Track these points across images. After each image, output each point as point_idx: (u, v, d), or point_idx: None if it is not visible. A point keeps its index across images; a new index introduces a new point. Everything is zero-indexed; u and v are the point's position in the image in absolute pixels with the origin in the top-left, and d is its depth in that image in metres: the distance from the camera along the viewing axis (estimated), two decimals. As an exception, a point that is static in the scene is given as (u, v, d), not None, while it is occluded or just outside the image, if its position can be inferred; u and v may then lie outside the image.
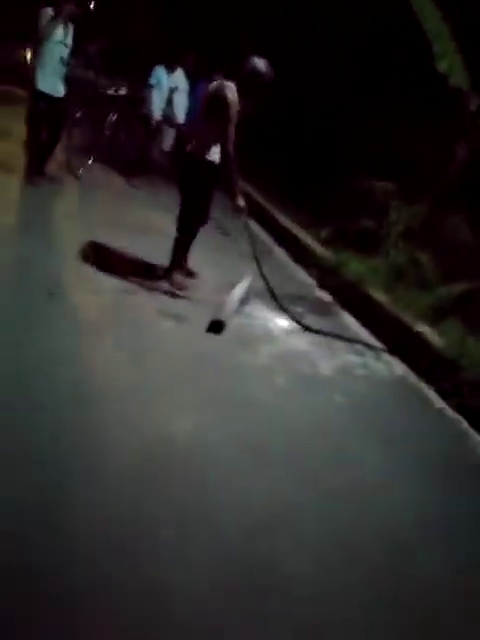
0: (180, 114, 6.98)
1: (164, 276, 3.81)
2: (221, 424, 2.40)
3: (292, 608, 1.60)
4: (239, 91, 3.50)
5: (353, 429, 2.68)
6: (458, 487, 2.44)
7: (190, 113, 6.83)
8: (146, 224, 4.98)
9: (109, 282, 3.56)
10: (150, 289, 3.65)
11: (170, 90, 6.73)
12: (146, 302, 3.46)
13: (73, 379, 2.38)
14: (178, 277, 3.85)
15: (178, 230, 3.83)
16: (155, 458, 2.06)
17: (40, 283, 3.20)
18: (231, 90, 3.48)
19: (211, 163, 3.64)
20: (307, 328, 3.74)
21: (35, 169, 5.28)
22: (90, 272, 3.63)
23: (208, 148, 3.62)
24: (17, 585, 1.42)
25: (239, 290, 3.85)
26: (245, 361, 3.06)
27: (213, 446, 2.24)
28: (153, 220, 5.13)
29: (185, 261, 4.02)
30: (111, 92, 6.68)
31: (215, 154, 3.62)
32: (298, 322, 3.78)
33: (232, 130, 3.50)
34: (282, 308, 3.84)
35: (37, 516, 1.64)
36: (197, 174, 3.67)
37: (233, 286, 3.88)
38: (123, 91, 6.68)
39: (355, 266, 4.87)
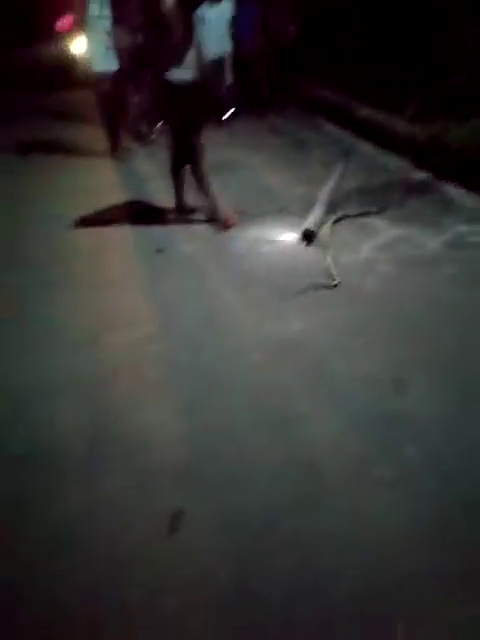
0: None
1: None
2: (330, 320, 2.45)
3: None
4: None
5: (466, 294, 2.54)
6: None
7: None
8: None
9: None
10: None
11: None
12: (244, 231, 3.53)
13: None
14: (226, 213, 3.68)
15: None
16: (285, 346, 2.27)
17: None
18: None
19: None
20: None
21: (116, 146, 5.55)
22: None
23: None
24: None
25: (323, 197, 3.72)
26: (344, 261, 3.00)
27: (329, 333, 2.36)
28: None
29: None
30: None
31: None
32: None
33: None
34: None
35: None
36: None
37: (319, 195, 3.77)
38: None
39: (454, 133, 4.36)
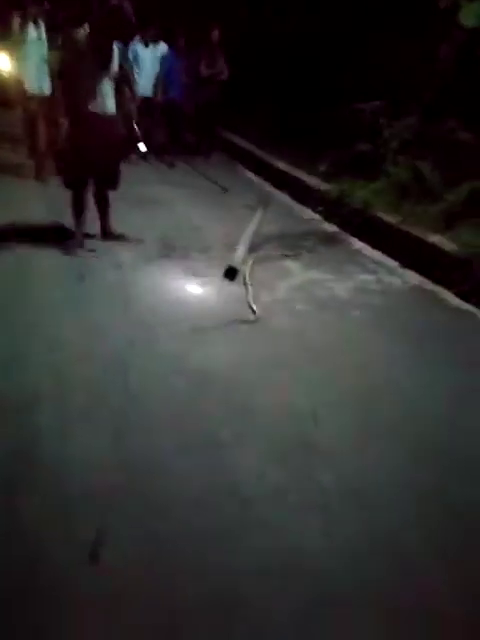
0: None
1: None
2: (251, 352, 2.60)
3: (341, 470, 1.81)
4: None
5: (373, 335, 2.84)
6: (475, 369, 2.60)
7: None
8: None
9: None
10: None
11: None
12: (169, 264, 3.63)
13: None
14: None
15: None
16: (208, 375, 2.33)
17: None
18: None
19: None
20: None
21: (40, 168, 5.42)
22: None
23: None
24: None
25: (245, 238, 3.97)
26: (263, 299, 3.21)
27: (250, 365, 2.49)
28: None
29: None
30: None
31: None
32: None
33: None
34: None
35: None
36: None
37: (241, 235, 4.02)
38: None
39: (359, 193, 4.90)
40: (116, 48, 3.48)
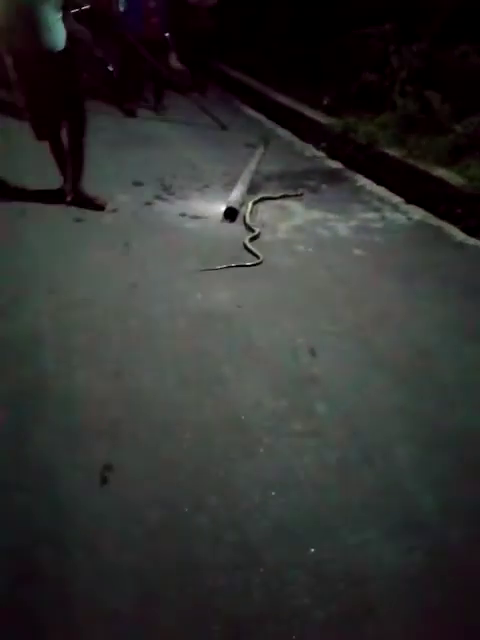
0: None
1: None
2: (251, 292, 2.60)
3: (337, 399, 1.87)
4: None
5: (373, 272, 2.82)
6: (478, 301, 2.60)
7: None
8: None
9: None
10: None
11: None
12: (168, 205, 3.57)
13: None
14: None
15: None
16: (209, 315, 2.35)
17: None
18: None
19: None
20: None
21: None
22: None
23: None
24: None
25: (245, 178, 3.87)
26: (264, 239, 3.17)
27: (251, 305, 2.49)
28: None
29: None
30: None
31: None
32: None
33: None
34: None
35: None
36: None
37: (241, 174, 3.91)
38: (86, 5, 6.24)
39: (363, 127, 4.70)
40: None
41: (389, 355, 2.21)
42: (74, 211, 3.34)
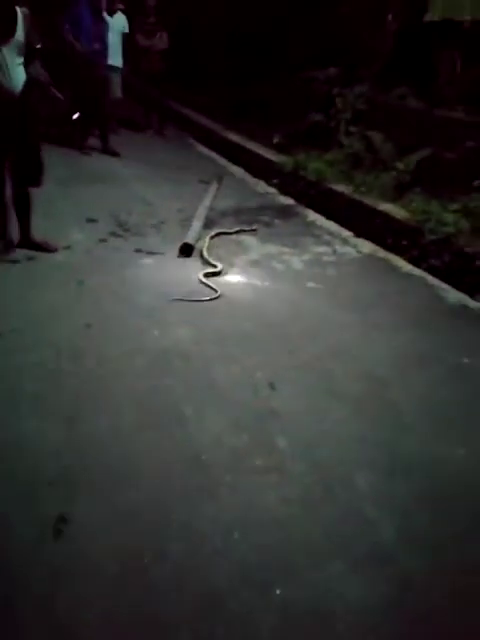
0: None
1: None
2: (209, 327, 2.60)
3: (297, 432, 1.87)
4: None
5: (327, 305, 2.90)
6: (427, 328, 2.71)
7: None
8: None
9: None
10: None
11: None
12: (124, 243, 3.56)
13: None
14: None
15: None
16: (167, 353, 2.28)
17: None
18: None
19: None
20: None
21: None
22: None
23: None
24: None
25: (200, 213, 3.93)
26: (222, 274, 3.20)
27: (208, 341, 2.48)
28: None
29: None
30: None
31: None
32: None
33: None
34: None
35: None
36: None
37: (196, 211, 3.98)
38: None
39: (313, 165, 4.90)
40: (19, 11, 2.84)
41: (346, 386, 2.25)
42: (25, 251, 3.27)
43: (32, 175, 3.10)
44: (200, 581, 1.42)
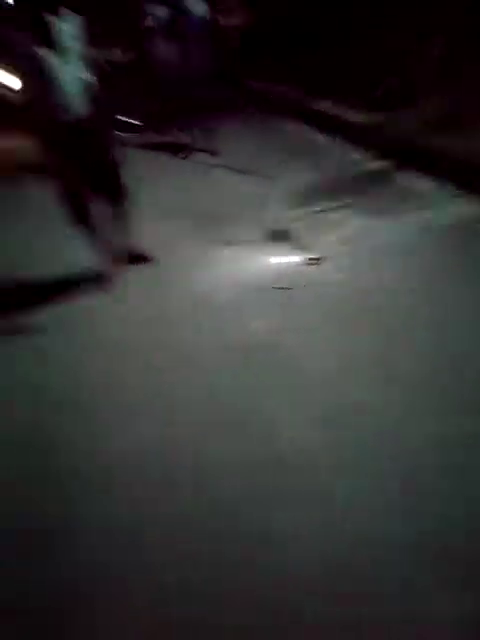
0: None
1: None
2: (289, 315, 2.45)
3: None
4: None
5: (430, 279, 2.57)
6: None
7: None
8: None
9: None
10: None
11: None
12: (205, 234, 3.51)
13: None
14: None
15: None
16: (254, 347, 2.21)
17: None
18: None
19: None
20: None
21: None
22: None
23: None
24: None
25: (284, 192, 3.72)
26: (313, 257, 3.01)
27: (290, 330, 2.33)
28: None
29: None
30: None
31: None
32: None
33: None
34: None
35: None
36: None
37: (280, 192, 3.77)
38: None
39: (406, 123, 4.42)
40: None
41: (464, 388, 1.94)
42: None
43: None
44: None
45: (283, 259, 3.01)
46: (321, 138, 5.42)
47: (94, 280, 2.92)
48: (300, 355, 2.20)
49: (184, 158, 5.35)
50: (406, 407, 1.86)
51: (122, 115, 4.47)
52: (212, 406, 1.99)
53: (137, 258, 3.19)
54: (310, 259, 2.95)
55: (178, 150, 5.48)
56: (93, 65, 2.38)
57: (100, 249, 2.92)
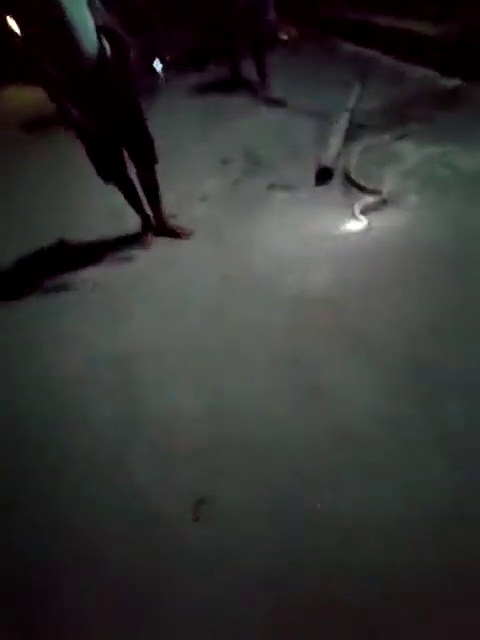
0: None
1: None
2: (357, 267, 2.24)
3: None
4: None
5: None
6: None
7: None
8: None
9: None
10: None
11: None
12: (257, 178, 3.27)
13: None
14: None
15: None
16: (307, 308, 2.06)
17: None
18: None
19: None
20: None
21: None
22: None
23: None
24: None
25: (340, 126, 3.38)
26: (372, 197, 2.72)
27: (354, 288, 2.14)
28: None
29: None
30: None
31: None
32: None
33: None
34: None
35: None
36: None
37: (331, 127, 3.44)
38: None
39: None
40: None
41: None
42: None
43: (144, 153, 2.51)
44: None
45: (345, 201, 2.74)
46: (384, 58, 4.85)
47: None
48: (359, 314, 2.00)
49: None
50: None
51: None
52: (263, 372, 1.87)
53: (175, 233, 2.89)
54: (372, 197, 2.66)
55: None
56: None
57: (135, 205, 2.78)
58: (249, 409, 1.74)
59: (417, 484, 1.39)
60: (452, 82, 3.86)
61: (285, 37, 4.50)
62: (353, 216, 2.57)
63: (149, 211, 2.85)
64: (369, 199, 2.68)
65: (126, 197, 2.71)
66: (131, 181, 2.66)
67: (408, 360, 1.74)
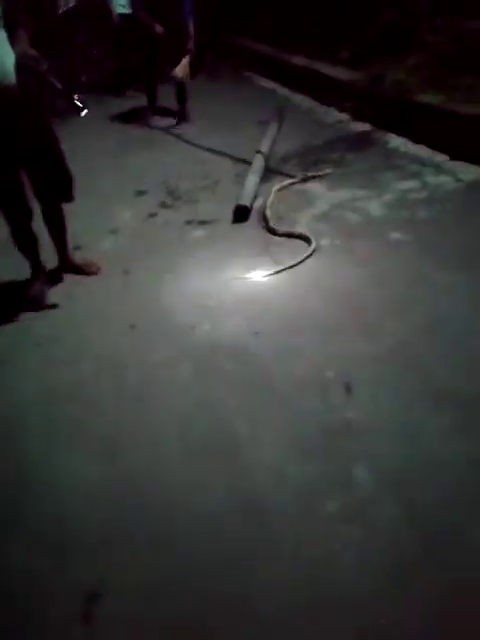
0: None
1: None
2: (268, 310, 2.17)
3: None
4: None
5: (418, 262, 2.28)
6: None
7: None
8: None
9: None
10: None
11: None
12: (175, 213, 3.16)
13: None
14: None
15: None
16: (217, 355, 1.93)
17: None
18: None
19: None
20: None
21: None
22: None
23: None
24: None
25: (255, 167, 3.38)
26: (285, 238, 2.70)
27: (270, 331, 2.05)
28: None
29: None
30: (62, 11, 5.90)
31: None
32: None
33: None
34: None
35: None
36: None
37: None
38: (72, 3, 5.89)
39: (391, 76, 4.02)
40: None
41: (448, 382, 1.70)
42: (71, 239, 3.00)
43: (59, 187, 2.33)
44: None
45: (251, 239, 2.69)
46: (298, 97, 5.00)
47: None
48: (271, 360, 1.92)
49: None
50: (406, 423, 1.60)
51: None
52: (171, 433, 1.72)
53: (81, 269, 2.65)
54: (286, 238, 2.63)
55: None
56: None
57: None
58: (148, 481, 1.57)
59: (338, 571, 1.30)
60: (362, 126, 4.02)
61: (179, 75, 4.45)
62: (267, 258, 2.53)
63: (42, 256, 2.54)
64: (282, 240, 2.65)
65: (18, 241, 2.39)
66: (29, 215, 2.34)
67: (321, 413, 1.67)
